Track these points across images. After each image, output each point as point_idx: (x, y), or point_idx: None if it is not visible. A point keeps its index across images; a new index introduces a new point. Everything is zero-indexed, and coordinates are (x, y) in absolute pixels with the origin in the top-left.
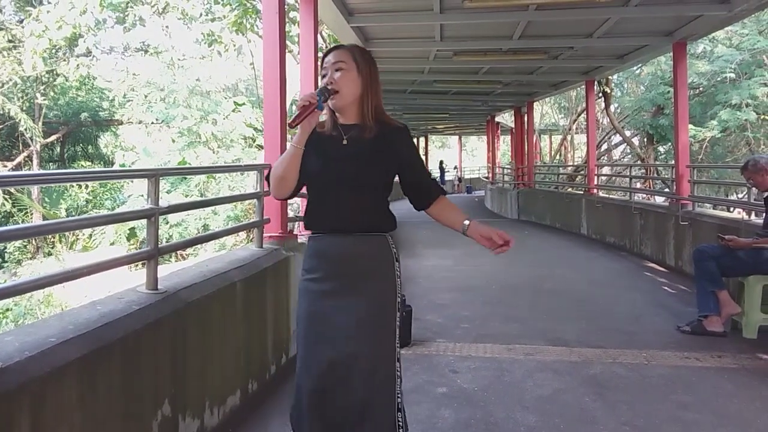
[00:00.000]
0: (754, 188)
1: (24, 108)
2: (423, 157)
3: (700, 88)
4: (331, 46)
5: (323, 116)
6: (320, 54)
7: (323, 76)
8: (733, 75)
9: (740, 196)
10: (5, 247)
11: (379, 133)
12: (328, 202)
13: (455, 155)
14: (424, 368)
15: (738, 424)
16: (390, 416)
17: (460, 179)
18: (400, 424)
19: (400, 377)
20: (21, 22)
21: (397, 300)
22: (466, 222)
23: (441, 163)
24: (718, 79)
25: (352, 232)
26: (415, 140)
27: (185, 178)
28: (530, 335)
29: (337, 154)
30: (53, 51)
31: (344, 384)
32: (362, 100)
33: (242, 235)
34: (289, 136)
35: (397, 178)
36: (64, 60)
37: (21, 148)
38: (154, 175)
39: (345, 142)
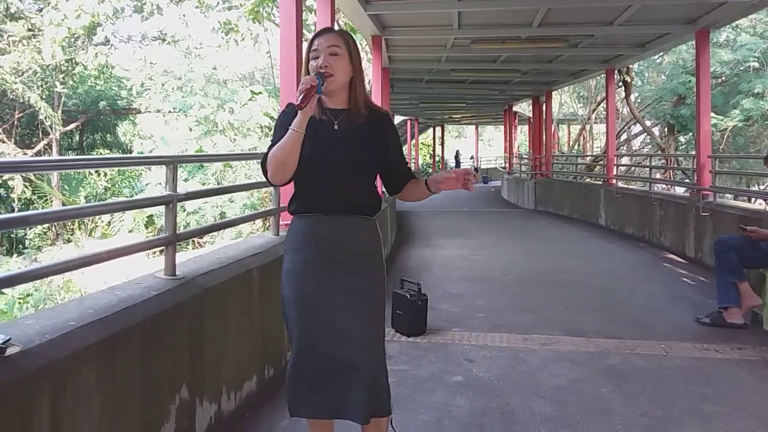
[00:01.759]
0: None
1: (43, 96)
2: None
3: (723, 77)
4: (322, 28)
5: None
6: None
7: (314, 58)
8: (756, 64)
9: (762, 186)
10: (25, 234)
11: (369, 119)
12: (322, 184)
13: (472, 145)
14: (440, 357)
15: (758, 417)
16: (388, 395)
17: (476, 169)
18: (390, 401)
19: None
20: (40, 10)
21: (385, 280)
22: (425, 180)
23: (457, 153)
24: (741, 68)
25: (346, 213)
26: (431, 130)
27: (202, 167)
28: (547, 325)
29: (330, 138)
30: (72, 40)
31: (347, 364)
32: (352, 86)
33: (258, 223)
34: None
35: None
36: (83, 49)
37: (41, 136)
38: (171, 162)
39: (336, 126)
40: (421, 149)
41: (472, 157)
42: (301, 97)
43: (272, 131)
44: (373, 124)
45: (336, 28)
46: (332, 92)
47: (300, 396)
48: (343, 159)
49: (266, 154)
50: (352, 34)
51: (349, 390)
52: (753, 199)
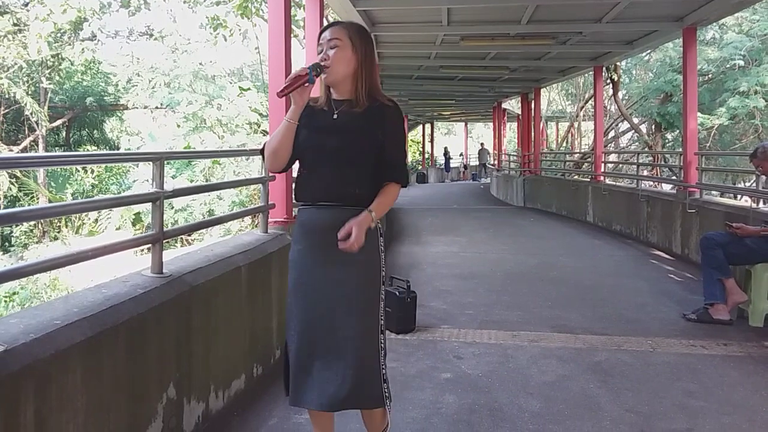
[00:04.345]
0: (762, 176)
1: (29, 92)
2: (405, 141)
3: (709, 75)
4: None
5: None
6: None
7: (319, 52)
8: (742, 62)
9: (748, 183)
10: (11, 231)
11: (368, 109)
12: (314, 174)
13: (461, 142)
14: (429, 354)
15: (743, 413)
16: (378, 387)
17: (465, 166)
18: (387, 393)
19: (384, 349)
20: (26, 5)
21: (381, 274)
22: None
23: (445, 149)
24: (728, 65)
25: (335, 204)
26: (420, 127)
27: (190, 163)
28: (535, 322)
29: (327, 128)
30: (58, 35)
31: (332, 354)
32: (355, 77)
33: (247, 220)
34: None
35: None
36: (69, 44)
37: (27, 132)
38: (158, 159)
39: (335, 116)
40: (410, 146)
41: (461, 154)
42: (284, 85)
43: None
44: (374, 113)
45: (325, 23)
46: (335, 83)
47: (298, 385)
48: (334, 149)
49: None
50: (362, 27)
51: (330, 380)
52: (739, 196)
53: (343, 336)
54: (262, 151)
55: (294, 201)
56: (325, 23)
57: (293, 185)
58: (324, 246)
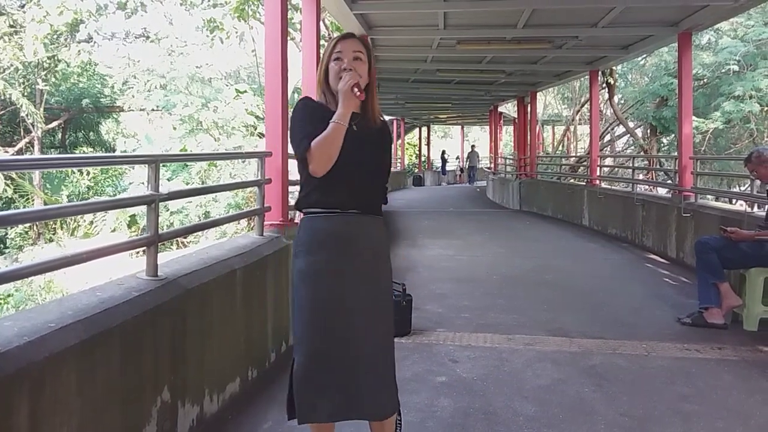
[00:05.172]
0: (757, 180)
1: (25, 93)
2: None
3: (704, 80)
4: (345, 32)
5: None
6: (323, 42)
7: (336, 59)
8: (736, 67)
9: (743, 188)
10: (6, 233)
11: (382, 126)
12: (344, 181)
13: (458, 145)
14: (424, 357)
15: (737, 417)
16: (395, 394)
17: (462, 170)
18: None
19: None
20: (22, 7)
21: (391, 280)
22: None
23: (443, 153)
24: (723, 70)
25: (363, 212)
26: (417, 130)
27: (186, 166)
28: (530, 326)
29: (350, 138)
30: (54, 36)
31: (361, 359)
32: (368, 92)
33: (243, 223)
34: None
35: None
36: (66, 46)
37: (22, 134)
38: (154, 161)
39: (355, 127)
40: (407, 149)
41: (457, 158)
42: (357, 90)
43: (293, 123)
44: (383, 131)
45: (322, 26)
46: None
47: (314, 400)
48: (363, 159)
49: (307, 145)
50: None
51: (366, 390)
52: (734, 201)
53: (374, 345)
54: (303, 155)
55: (301, 208)
56: (322, 27)
57: (307, 191)
58: (352, 254)
